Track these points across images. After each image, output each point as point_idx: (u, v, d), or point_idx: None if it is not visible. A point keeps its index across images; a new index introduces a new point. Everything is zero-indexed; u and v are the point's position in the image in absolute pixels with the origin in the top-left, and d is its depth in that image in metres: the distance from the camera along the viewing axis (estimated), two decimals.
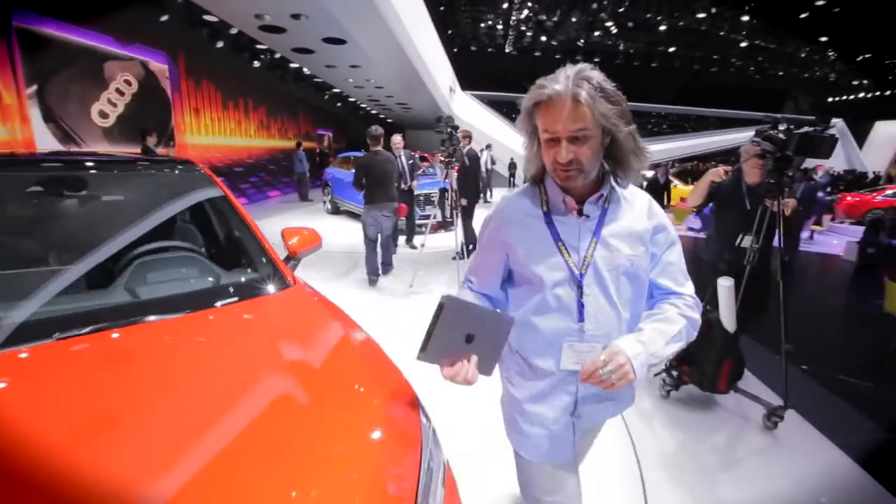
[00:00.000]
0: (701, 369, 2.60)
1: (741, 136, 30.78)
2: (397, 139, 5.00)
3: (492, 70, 25.81)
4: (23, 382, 1.05)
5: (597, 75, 0.92)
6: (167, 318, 1.33)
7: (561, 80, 0.91)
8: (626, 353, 0.94)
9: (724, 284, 2.43)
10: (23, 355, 1.10)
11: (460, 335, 0.95)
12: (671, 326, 1.02)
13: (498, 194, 14.84)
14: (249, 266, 1.73)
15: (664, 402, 2.79)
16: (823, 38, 22.80)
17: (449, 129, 4.52)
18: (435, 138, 4.93)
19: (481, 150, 13.16)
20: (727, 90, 30.17)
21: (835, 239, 10.02)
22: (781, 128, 2.34)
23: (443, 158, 4.66)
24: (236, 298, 1.51)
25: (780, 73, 29.93)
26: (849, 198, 12.99)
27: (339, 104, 19.38)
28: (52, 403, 0.97)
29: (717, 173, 2.71)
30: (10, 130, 5.77)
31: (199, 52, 9.59)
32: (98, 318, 1.25)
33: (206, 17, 8.37)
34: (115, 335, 1.23)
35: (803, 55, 25.97)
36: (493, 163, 14.22)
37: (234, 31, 9.09)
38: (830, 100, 31.29)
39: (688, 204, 2.83)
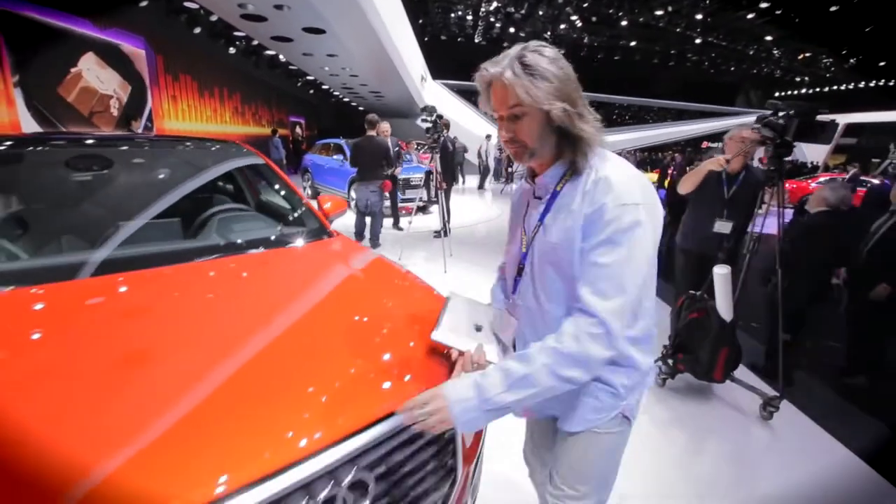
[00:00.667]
0: (696, 357, 2.59)
1: (698, 127, 32.73)
2: (385, 126, 5.49)
3: (462, 59, 26.09)
4: (148, 290, 1.42)
5: (534, 56, 0.89)
6: (245, 254, 1.77)
7: (498, 63, 0.93)
8: (448, 398, 0.88)
9: (721, 272, 2.40)
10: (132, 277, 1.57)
11: (469, 324, 1.14)
12: (520, 368, 0.89)
13: (472, 182, 15.46)
14: (300, 220, 2.23)
15: (660, 390, 2.78)
16: (769, 38, 24.52)
17: (434, 118, 5.04)
18: (406, 126, 5.53)
19: (487, 136, 14.52)
20: (685, 84, 31.93)
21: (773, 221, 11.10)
22: (781, 113, 2.29)
23: (429, 144, 5.21)
24: (295, 244, 2.00)
25: (732, 69, 31.81)
26: (789, 185, 14.38)
27: (311, 91, 19.37)
28: (163, 307, 1.34)
29: (718, 162, 2.65)
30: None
31: (176, 38, 9.61)
32: (198, 254, 1.69)
33: (187, 4, 8.45)
34: (208, 265, 1.64)
35: (751, 52, 27.78)
36: (499, 150, 14.93)
37: (213, 18, 9.18)
38: (777, 94, 33.58)
39: (681, 191, 2.85)
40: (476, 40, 26.64)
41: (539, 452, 1.33)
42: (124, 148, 2.16)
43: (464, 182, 14.16)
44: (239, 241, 1.89)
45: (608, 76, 27.73)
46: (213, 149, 2.44)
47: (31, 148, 1.92)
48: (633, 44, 27.75)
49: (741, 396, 2.69)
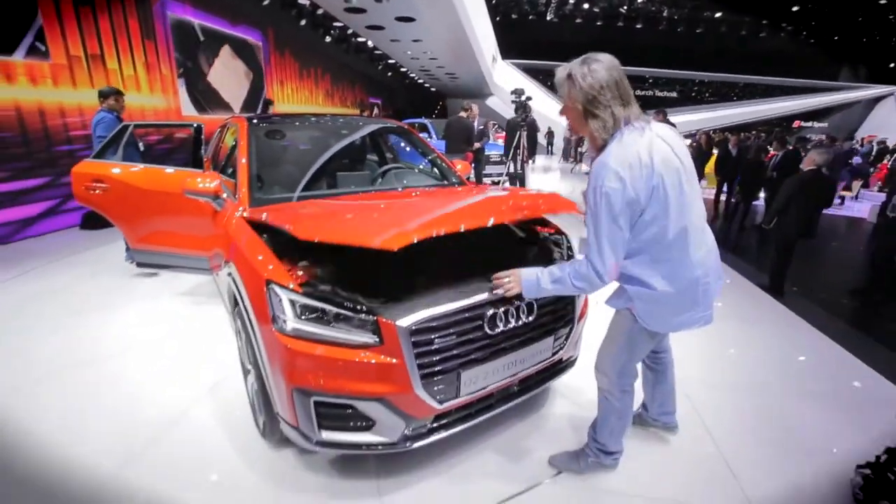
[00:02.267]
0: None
1: (790, 105, 29.90)
2: (475, 110, 6.34)
3: (532, 38, 26.10)
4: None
5: (578, 67, 1.38)
6: (426, 188, 2.77)
7: (563, 67, 1.43)
8: (521, 277, 1.58)
9: None
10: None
11: None
12: (558, 272, 1.52)
13: (539, 160, 15.91)
14: (446, 175, 3.13)
15: None
16: (883, 0, 21.92)
17: (524, 98, 5.77)
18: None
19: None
20: (777, 56, 29.15)
21: (864, 204, 10.62)
22: None
23: (520, 122, 5.98)
24: (445, 184, 2.94)
25: (836, 38, 28.57)
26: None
27: (389, 74, 20.51)
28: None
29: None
30: (167, 100, 7.38)
31: (285, 30, 10.96)
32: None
33: (299, 0, 9.67)
34: (403, 193, 2.65)
35: (861, 18, 24.91)
36: (569, 131, 15.35)
37: (318, 11, 10.36)
38: (893, 65, 29.77)
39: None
40: (548, 18, 26.29)
41: None
42: (342, 122, 3.32)
43: (534, 161, 14.65)
44: (416, 183, 2.86)
45: (688, 50, 26.24)
46: (390, 126, 3.42)
47: (296, 122, 3.10)
48: (717, 15, 25.97)
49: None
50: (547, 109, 16.15)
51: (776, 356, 2.97)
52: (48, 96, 5.38)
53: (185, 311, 3.32)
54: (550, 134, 19.55)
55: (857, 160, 12.69)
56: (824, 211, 8.39)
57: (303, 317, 1.56)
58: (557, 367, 2.07)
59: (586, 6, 24.19)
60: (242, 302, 1.78)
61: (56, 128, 5.52)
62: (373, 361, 1.51)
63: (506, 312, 1.70)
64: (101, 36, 6.01)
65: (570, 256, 2.18)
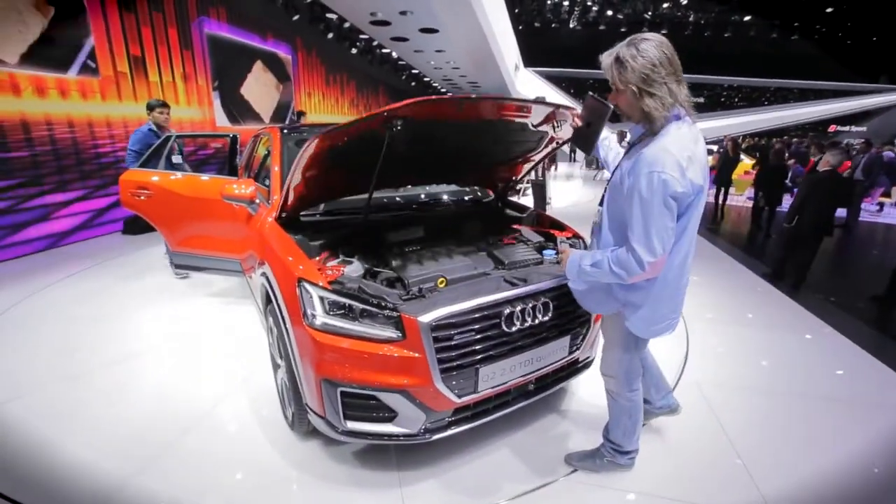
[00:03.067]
0: None
1: (823, 109, 28.82)
2: None
3: (554, 46, 26.15)
4: None
5: (626, 49, 1.33)
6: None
7: (609, 52, 1.39)
8: (569, 257, 1.60)
9: None
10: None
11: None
12: (598, 256, 1.48)
13: (561, 167, 15.87)
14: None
15: None
16: None
17: None
18: None
19: None
20: (810, 60, 28.23)
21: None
22: None
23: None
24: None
25: (875, 39, 27.48)
26: None
27: (412, 84, 20.88)
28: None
29: None
30: (202, 112, 7.77)
31: (313, 43, 11.36)
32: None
33: (327, 15, 10.04)
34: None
35: None
36: None
37: (345, 24, 10.70)
38: None
39: None
40: (571, 25, 26.28)
41: None
42: None
43: (556, 169, 14.61)
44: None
45: (716, 55, 25.70)
46: None
47: None
48: (746, 18, 25.40)
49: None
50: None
51: (799, 362, 2.92)
52: (96, 110, 5.77)
53: (216, 311, 3.51)
54: None
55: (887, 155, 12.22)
56: (860, 218, 8.21)
57: (331, 312, 1.67)
58: (574, 368, 2.13)
59: (610, 13, 24.09)
60: (276, 299, 1.91)
61: (101, 138, 5.90)
62: (395, 355, 1.61)
63: (522, 311, 1.77)
64: (145, 49, 6.41)
65: None
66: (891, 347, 3.26)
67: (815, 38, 27.54)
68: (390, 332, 1.63)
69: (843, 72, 28.18)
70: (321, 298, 1.68)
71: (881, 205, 10.79)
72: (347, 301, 1.66)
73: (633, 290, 1.53)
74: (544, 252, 2.21)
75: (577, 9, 23.82)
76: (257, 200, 2.64)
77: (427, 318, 1.60)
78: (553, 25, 26.81)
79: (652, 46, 1.31)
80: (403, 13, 8.86)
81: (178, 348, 2.96)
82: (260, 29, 9.23)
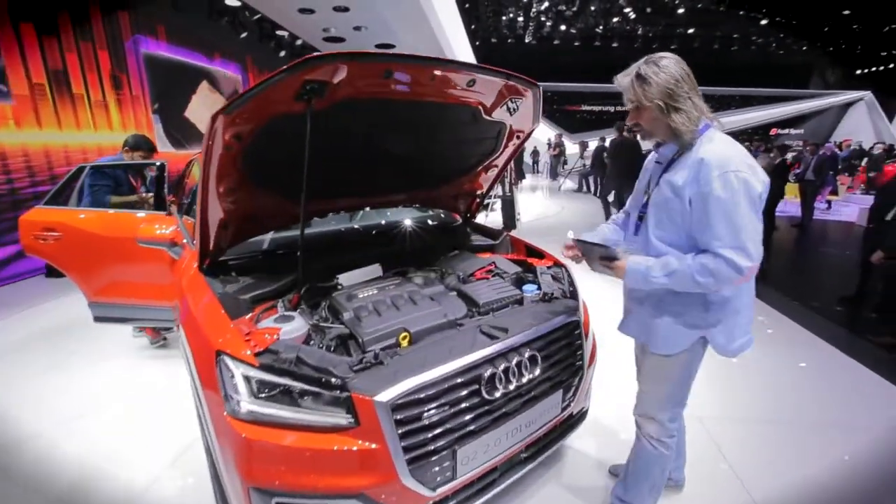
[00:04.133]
0: None
1: (763, 114, 30.76)
2: None
3: (512, 61, 26.57)
4: None
5: (647, 67, 1.30)
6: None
7: (626, 73, 1.35)
8: (628, 262, 1.36)
9: None
10: None
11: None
12: (675, 263, 1.29)
13: (528, 180, 15.93)
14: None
15: None
16: (846, 12, 22.74)
17: None
18: None
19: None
20: (749, 68, 30.06)
21: (852, 208, 10.60)
22: None
23: None
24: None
25: (804, 48, 29.61)
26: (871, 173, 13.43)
27: None
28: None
29: None
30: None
31: (265, 61, 10.86)
32: None
33: (278, 32, 9.62)
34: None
35: (826, 29, 25.82)
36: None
37: (298, 42, 10.30)
38: (858, 72, 30.82)
39: None
40: (527, 41, 26.84)
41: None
42: None
43: (522, 181, 14.59)
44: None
45: None
46: None
47: None
48: (690, 31, 26.73)
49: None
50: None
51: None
52: (9, 138, 5.11)
53: (159, 367, 2.99)
54: (536, 153, 19.76)
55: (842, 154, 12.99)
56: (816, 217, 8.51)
57: (261, 396, 1.28)
58: (568, 424, 1.80)
59: (563, 28, 24.74)
60: (192, 378, 1.49)
61: (16, 170, 5.23)
62: (348, 448, 1.23)
63: (506, 370, 1.44)
64: (69, 70, 5.79)
65: (573, 291, 1.92)
66: (857, 343, 3.29)
67: (752, 48, 29.36)
68: (339, 419, 1.25)
69: (778, 79, 30.16)
70: (246, 378, 1.28)
71: (829, 202, 11.28)
72: (280, 380, 1.27)
73: (720, 306, 1.37)
74: (524, 288, 1.89)
75: (531, 24, 24.34)
76: (184, 241, 2.21)
77: (386, 396, 1.23)
78: (509, 41, 27.31)
79: (671, 63, 1.30)
80: (358, 28, 8.58)
81: (105, 418, 2.45)
82: (205, 48, 8.70)
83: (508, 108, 1.90)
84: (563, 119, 28.69)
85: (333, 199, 2.06)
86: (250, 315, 1.65)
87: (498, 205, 8.65)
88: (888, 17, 23.63)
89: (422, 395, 1.28)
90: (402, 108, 1.72)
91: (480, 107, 1.88)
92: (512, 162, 5.92)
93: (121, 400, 2.63)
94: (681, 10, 22.47)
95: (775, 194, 4.83)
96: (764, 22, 24.34)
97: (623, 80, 1.36)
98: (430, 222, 2.69)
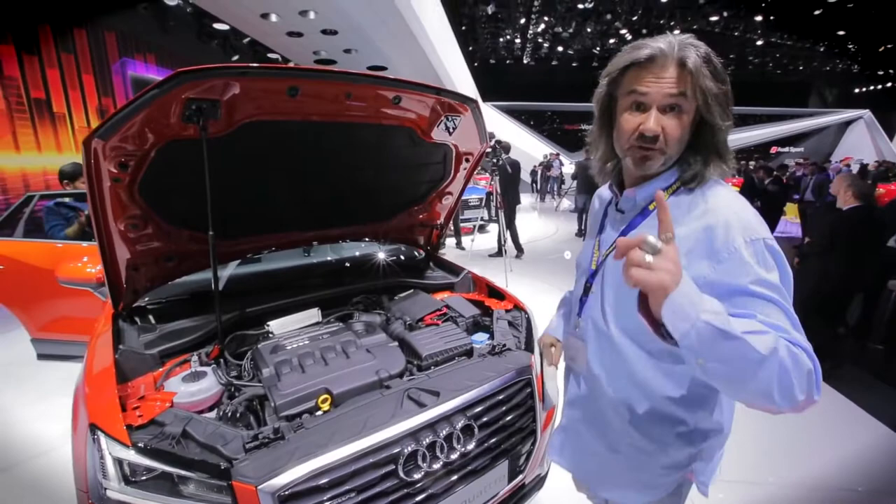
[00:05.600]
0: None
1: (762, 133, 30.86)
2: None
3: (511, 81, 26.93)
4: None
5: (705, 47, 0.79)
6: None
7: (665, 41, 0.78)
8: (683, 278, 0.64)
9: None
10: None
11: None
12: (757, 325, 0.69)
13: (525, 200, 15.81)
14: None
15: None
16: (841, 32, 22.94)
17: (493, 144, 5.50)
18: None
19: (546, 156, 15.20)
20: (746, 87, 30.30)
21: None
22: None
23: (490, 168, 5.66)
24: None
25: (801, 68, 29.88)
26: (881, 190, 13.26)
27: None
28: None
29: None
30: None
31: None
32: None
33: (269, 55, 9.68)
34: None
35: (822, 49, 26.03)
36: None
37: (290, 63, 10.37)
38: (857, 91, 31.03)
39: None
40: (525, 61, 27.16)
41: None
42: None
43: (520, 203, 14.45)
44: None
45: None
46: None
47: None
48: None
49: None
50: (529, 148, 16.16)
51: None
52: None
53: None
54: (535, 172, 19.68)
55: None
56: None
57: (134, 482, 1.08)
58: (520, 495, 1.58)
59: (560, 49, 25.04)
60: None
61: None
62: None
63: (432, 445, 1.24)
64: (51, 94, 5.75)
65: (529, 338, 1.73)
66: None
67: (749, 68, 29.62)
68: None
69: (777, 97, 30.40)
70: (117, 461, 1.09)
71: None
72: (154, 464, 1.08)
73: (712, 432, 0.94)
74: (473, 338, 1.70)
75: (528, 45, 24.65)
76: None
77: (271, 484, 1.03)
78: (508, 62, 27.65)
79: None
80: (348, 51, 8.60)
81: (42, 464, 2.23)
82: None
83: (447, 128, 1.74)
84: (563, 138, 28.86)
85: (264, 234, 1.88)
86: (159, 371, 1.47)
87: (491, 227, 8.51)
88: (883, 37, 23.87)
89: (321, 482, 1.08)
90: (325, 132, 1.56)
91: (415, 127, 1.72)
92: (499, 186, 5.82)
93: (64, 446, 2.42)
94: (677, 31, 22.72)
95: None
96: (759, 42, 24.60)
97: (673, 51, 0.77)
98: (384, 257, 2.52)
